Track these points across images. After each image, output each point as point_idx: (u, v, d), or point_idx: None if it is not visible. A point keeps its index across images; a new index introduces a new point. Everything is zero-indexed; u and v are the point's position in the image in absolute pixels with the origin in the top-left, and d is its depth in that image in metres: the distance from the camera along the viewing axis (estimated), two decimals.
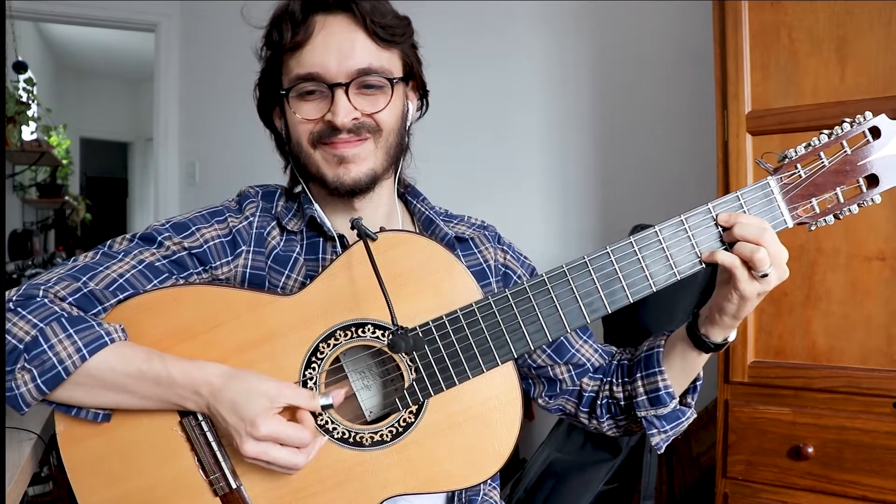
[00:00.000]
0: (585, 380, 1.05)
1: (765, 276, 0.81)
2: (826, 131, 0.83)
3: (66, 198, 4.87)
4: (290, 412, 0.82)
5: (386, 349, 0.85)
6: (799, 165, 0.83)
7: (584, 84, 2.62)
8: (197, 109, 3.47)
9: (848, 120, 0.83)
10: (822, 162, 0.83)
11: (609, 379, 1.03)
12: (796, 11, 1.54)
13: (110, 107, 7.12)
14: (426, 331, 0.84)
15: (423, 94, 1.03)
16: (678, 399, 0.96)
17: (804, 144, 0.83)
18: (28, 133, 4.09)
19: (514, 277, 1.06)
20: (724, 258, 0.82)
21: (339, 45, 0.90)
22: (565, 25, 2.64)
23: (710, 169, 1.72)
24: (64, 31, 5.45)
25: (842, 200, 0.83)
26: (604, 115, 2.58)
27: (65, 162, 4.95)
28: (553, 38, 2.66)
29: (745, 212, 0.83)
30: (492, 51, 2.76)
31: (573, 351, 1.04)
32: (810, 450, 1.50)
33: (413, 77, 0.99)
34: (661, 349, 0.96)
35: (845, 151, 0.82)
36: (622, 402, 1.00)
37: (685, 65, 2.36)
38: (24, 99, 3.77)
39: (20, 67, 3.82)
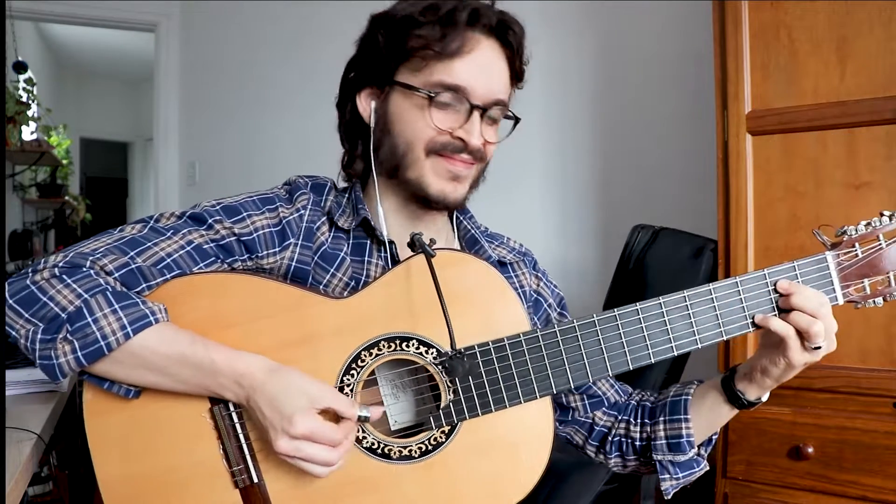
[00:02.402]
0: (599, 413, 1.04)
1: (817, 348, 0.82)
2: (888, 213, 0.83)
3: (66, 198, 4.87)
4: (327, 415, 0.81)
5: (429, 368, 0.85)
6: (857, 244, 0.84)
7: (585, 84, 2.62)
8: (197, 109, 3.47)
9: None
10: (881, 244, 0.83)
11: (626, 417, 1.02)
12: (796, 11, 1.54)
13: (110, 107, 7.13)
14: (471, 355, 0.84)
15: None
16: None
17: (864, 223, 0.84)
18: (28, 133, 4.09)
19: (545, 305, 1.06)
20: (779, 326, 0.82)
21: (488, 70, 0.91)
22: (565, 25, 2.64)
23: (710, 169, 1.72)
24: (64, 31, 5.45)
25: (893, 284, 0.84)
26: (604, 114, 2.58)
27: (65, 162, 4.95)
28: (553, 37, 2.66)
29: (799, 283, 0.84)
30: None
31: (589, 384, 1.02)
32: (810, 450, 1.50)
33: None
34: (690, 397, 0.95)
35: None
36: (637, 443, 1.00)
37: (685, 65, 2.36)
38: (24, 99, 3.77)
39: (20, 67, 3.82)
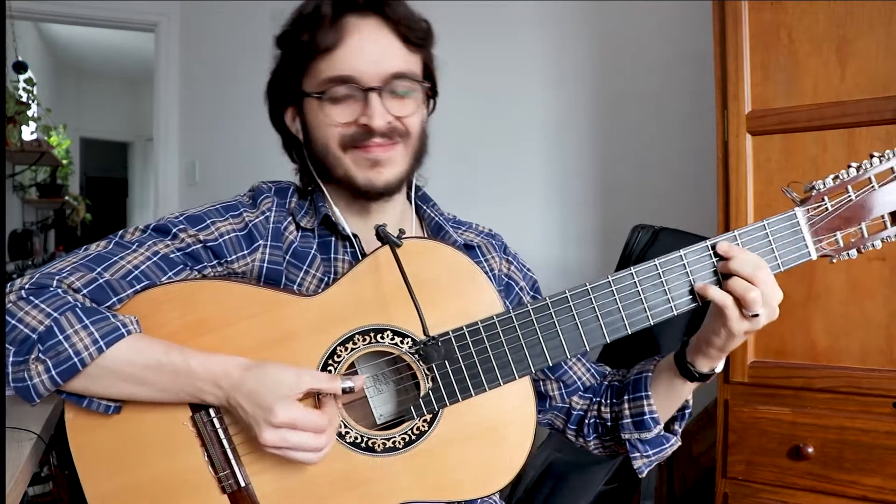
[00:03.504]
0: (575, 398, 1.05)
1: (755, 315, 0.81)
2: (854, 164, 0.83)
3: (66, 198, 4.87)
4: (311, 400, 0.82)
5: (405, 357, 0.85)
6: (826, 198, 0.83)
7: (584, 84, 2.62)
8: (197, 109, 3.47)
9: (877, 154, 0.82)
10: (850, 196, 0.82)
11: (598, 399, 1.03)
12: (796, 11, 1.54)
13: (110, 107, 7.12)
14: (446, 341, 0.84)
15: (433, 94, 1.04)
16: (664, 425, 0.97)
17: (832, 176, 0.83)
18: (28, 133, 4.09)
19: (517, 289, 1.06)
20: (716, 295, 0.81)
21: (372, 49, 0.90)
22: (565, 25, 2.64)
23: (710, 169, 1.72)
24: (64, 31, 5.45)
25: (866, 235, 0.83)
26: (603, 115, 2.58)
27: (65, 162, 4.95)
28: (552, 38, 2.66)
29: (770, 241, 0.83)
30: (491, 51, 2.76)
31: (565, 368, 1.04)
32: (810, 450, 1.50)
33: (431, 82, 1.00)
34: (650, 374, 0.96)
35: (872, 186, 0.82)
36: (608, 423, 1.01)
37: (685, 65, 2.36)
38: (24, 99, 3.77)
39: (20, 67, 3.82)
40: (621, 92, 2.54)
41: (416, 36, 0.93)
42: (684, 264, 0.84)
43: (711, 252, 0.83)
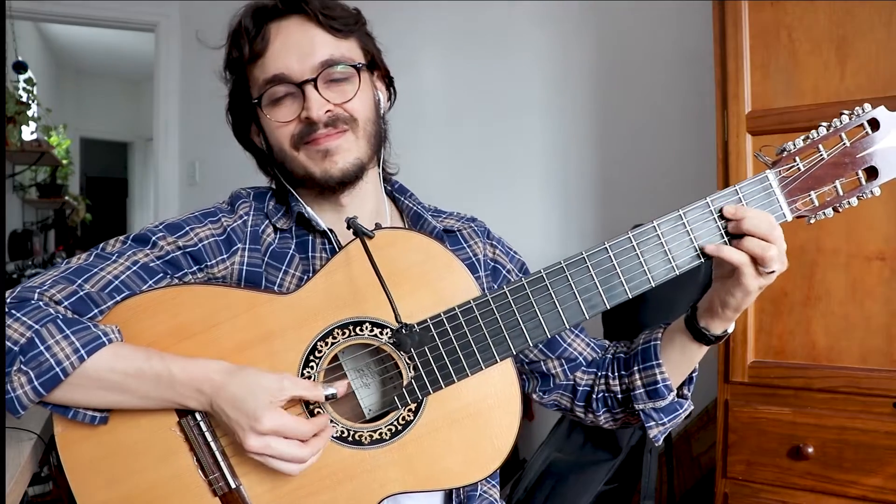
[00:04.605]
0: (579, 374, 1.05)
1: (772, 272, 0.82)
2: (825, 123, 0.83)
3: (66, 198, 4.87)
4: (298, 407, 0.82)
5: (385, 348, 0.85)
6: (798, 158, 0.83)
7: (584, 84, 2.62)
8: (197, 109, 3.47)
9: (847, 112, 0.83)
10: (821, 155, 0.82)
11: (604, 373, 1.03)
12: (796, 11, 1.54)
13: (110, 107, 7.11)
14: (424, 328, 0.84)
15: (389, 81, 1.05)
16: (676, 391, 0.97)
17: (802, 137, 0.83)
18: (28, 133, 4.09)
19: (504, 272, 1.07)
20: (732, 255, 0.81)
21: (298, 45, 0.92)
22: (565, 25, 2.64)
23: (710, 169, 1.72)
24: (64, 31, 5.45)
25: (841, 193, 0.83)
26: (604, 114, 2.58)
27: (65, 162, 4.95)
28: (553, 37, 2.66)
29: (743, 205, 0.83)
30: (492, 51, 2.76)
31: (564, 345, 1.04)
32: (810, 450, 1.50)
33: (376, 66, 1.01)
34: (659, 342, 0.96)
35: (844, 144, 0.82)
36: (619, 396, 1.01)
37: (685, 65, 2.36)
38: (24, 99, 3.77)
39: (20, 67, 3.82)
40: (621, 92, 2.54)
41: (341, 22, 0.95)
42: (685, 223, 0.84)
43: (716, 216, 0.83)
